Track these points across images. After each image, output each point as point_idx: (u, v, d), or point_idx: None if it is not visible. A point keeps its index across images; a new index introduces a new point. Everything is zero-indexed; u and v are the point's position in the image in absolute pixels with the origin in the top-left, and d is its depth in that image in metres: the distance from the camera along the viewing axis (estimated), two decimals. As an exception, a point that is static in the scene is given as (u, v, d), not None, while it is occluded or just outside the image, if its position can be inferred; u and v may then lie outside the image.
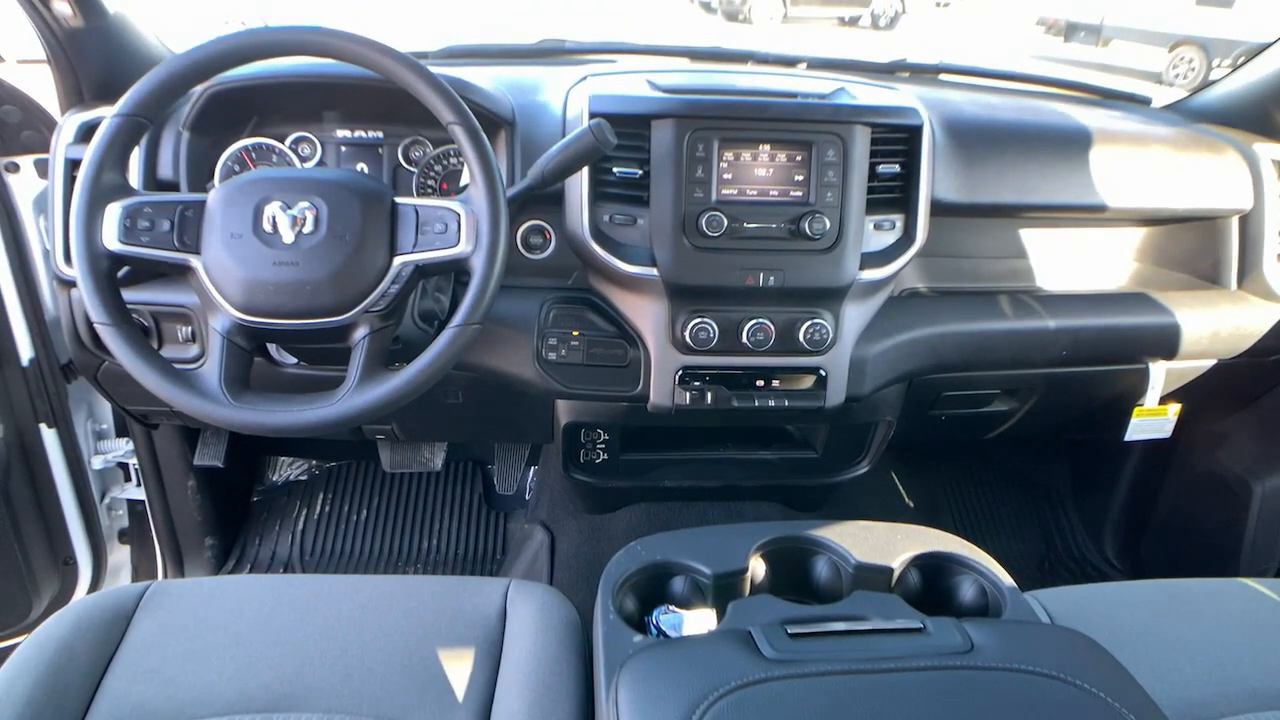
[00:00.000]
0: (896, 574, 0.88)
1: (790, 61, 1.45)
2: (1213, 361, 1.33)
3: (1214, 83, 1.47)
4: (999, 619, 0.82)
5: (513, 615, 0.93)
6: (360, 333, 0.89)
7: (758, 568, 0.90)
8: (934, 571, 0.90)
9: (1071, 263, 1.35)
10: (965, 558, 0.89)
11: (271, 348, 1.11)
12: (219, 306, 0.86)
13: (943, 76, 1.50)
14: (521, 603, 0.94)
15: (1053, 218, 1.32)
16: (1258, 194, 1.29)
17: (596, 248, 1.06)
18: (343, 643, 0.88)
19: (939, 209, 1.17)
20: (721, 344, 1.10)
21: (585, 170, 1.04)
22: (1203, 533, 1.56)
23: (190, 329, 1.10)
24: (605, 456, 1.31)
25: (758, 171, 1.08)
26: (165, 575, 1.56)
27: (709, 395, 1.13)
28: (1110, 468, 1.68)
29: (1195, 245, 1.36)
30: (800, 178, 1.08)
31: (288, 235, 0.85)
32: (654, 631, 0.84)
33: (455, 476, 1.83)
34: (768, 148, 1.07)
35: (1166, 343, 1.27)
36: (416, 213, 0.89)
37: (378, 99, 1.07)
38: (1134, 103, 1.52)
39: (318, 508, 1.78)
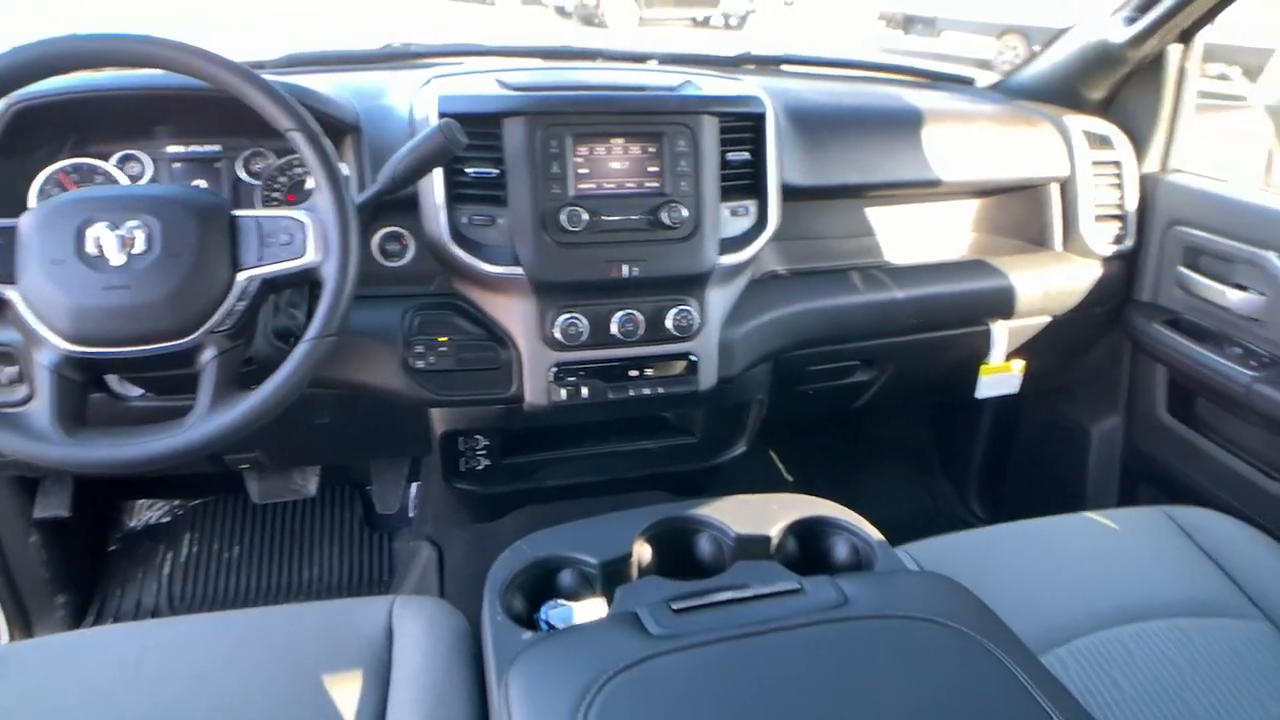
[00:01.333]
0: (775, 541, 0.91)
1: (640, 58, 1.47)
2: (1048, 318, 1.44)
3: (1028, 63, 1.59)
4: (870, 572, 0.86)
5: (399, 632, 0.91)
6: (207, 355, 0.84)
7: (643, 552, 0.91)
8: (809, 535, 0.94)
9: (916, 236, 1.43)
10: (837, 519, 0.94)
11: (113, 380, 1.03)
12: (43, 339, 0.80)
13: (785, 67, 1.56)
14: (408, 618, 0.92)
15: (895, 195, 1.40)
16: (1072, 162, 1.41)
17: (457, 250, 1.05)
18: (218, 687, 0.83)
19: (790, 193, 1.22)
20: (592, 338, 1.10)
21: (439, 172, 1.03)
22: (1052, 476, 1.69)
23: (16, 369, 1.01)
24: (487, 462, 1.29)
25: (613, 165, 1.09)
26: (11, 639, 1.43)
27: (585, 390, 1.13)
28: (968, 426, 1.80)
29: (1023, 213, 1.48)
30: (655, 169, 1.10)
31: (116, 257, 0.80)
32: (545, 628, 0.83)
33: (332, 501, 1.76)
34: (621, 141, 1.09)
35: (1004, 304, 1.37)
36: (259, 225, 0.86)
37: (212, 111, 1.02)
38: (960, 84, 1.63)
39: (184, 550, 1.67)
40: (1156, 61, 1.42)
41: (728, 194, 1.15)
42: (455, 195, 1.05)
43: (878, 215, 1.42)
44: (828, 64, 1.60)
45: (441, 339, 1.09)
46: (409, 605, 0.94)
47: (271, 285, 0.86)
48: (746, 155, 1.16)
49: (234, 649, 0.88)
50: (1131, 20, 1.36)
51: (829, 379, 1.39)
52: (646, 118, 1.09)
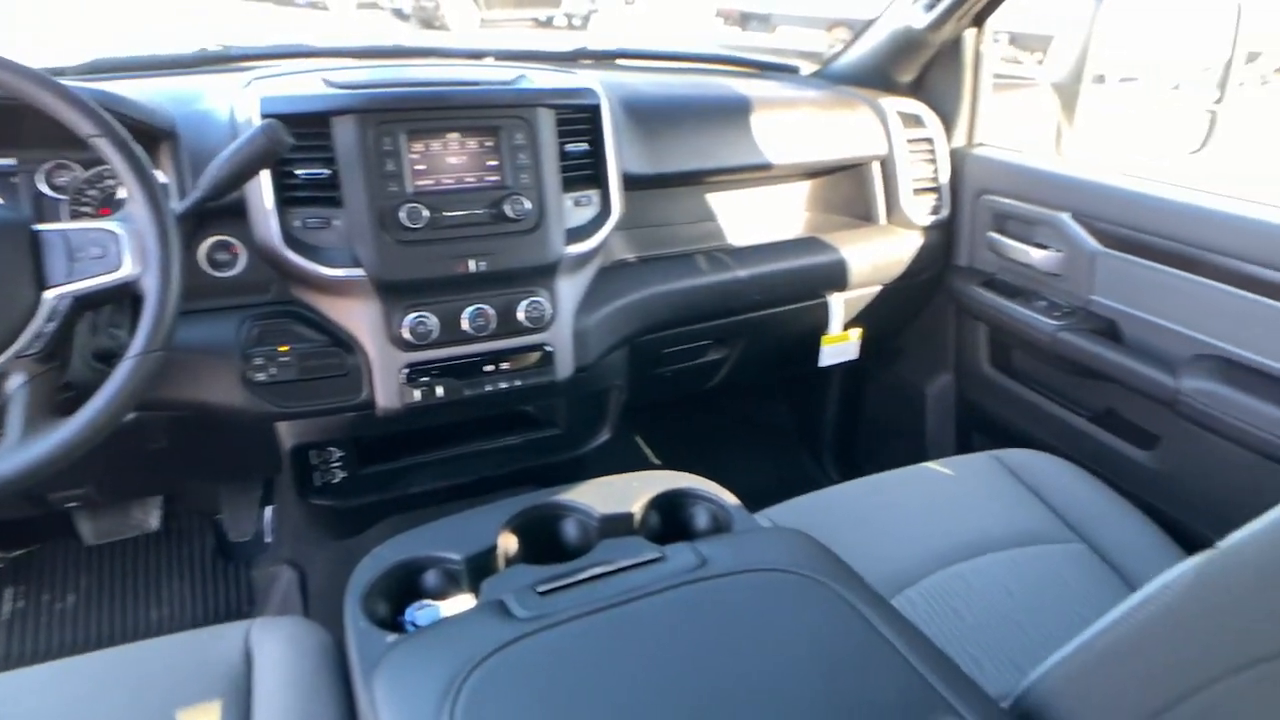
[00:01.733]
0: (638, 517, 0.93)
1: (476, 55, 1.47)
2: (879, 287, 1.54)
3: (845, 50, 1.69)
4: (727, 534, 0.90)
5: (259, 655, 0.87)
6: (15, 382, 0.78)
7: (508, 543, 0.91)
8: (671, 508, 0.97)
9: (755, 218, 1.50)
10: (695, 490, 0.97)
11: None
12: None
13: (620, 61, 1.60)
14: (267, 640, 0.88)
15: (732, 180, 1.46)
16: (889, 141, 1.51)
17: (292, 255, 1.01)
18: None
19: (631, 182, 1.25)
20: (443, 335, 1.09)
21: (266, 176, 0.99)
22: (895, 434, 1.81)
23: None
24: (343, 475, 1.25)
25: (451, 160, 1.08)
26: None
27: (439, 389, 1.12)
28: (819, 395, 1.90)
29: (850, 190, 1.57)
30: (494, 162, 1.10)
31: None
32: (410, 629, 0.82)
33: (180, 534, 1.65)
34: (457, 136, 1.08)
35: (838, 277, 1.46)
36: (65, 238, 0.80)
37: (5, 120, 0.94)
38: (786, 73, 1.71)
39: (6, 606, 1.52)
40: (955, 45, 1.54)
41: (570, 185, 1.16)
42: (286, 199, 1.02)
43: (718, 200, 1.48)
44: (661, 57, 1.64)
45: (282, 349, 1.05)
46: (267, 627, 0.90)
47: (86, 302, 0.80)
48: (585, 146, 1.18)
49: (77, 697, 0.81)
50: (930, 6, 1.47)
51: (684, 360, 1.44)
52: (481, 111, 1.09)
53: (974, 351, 1.60)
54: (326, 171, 1.03)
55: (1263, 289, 1.12)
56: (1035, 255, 1.43)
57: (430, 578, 0.87)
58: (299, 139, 0.95)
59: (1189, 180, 1.29)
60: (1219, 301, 1.17)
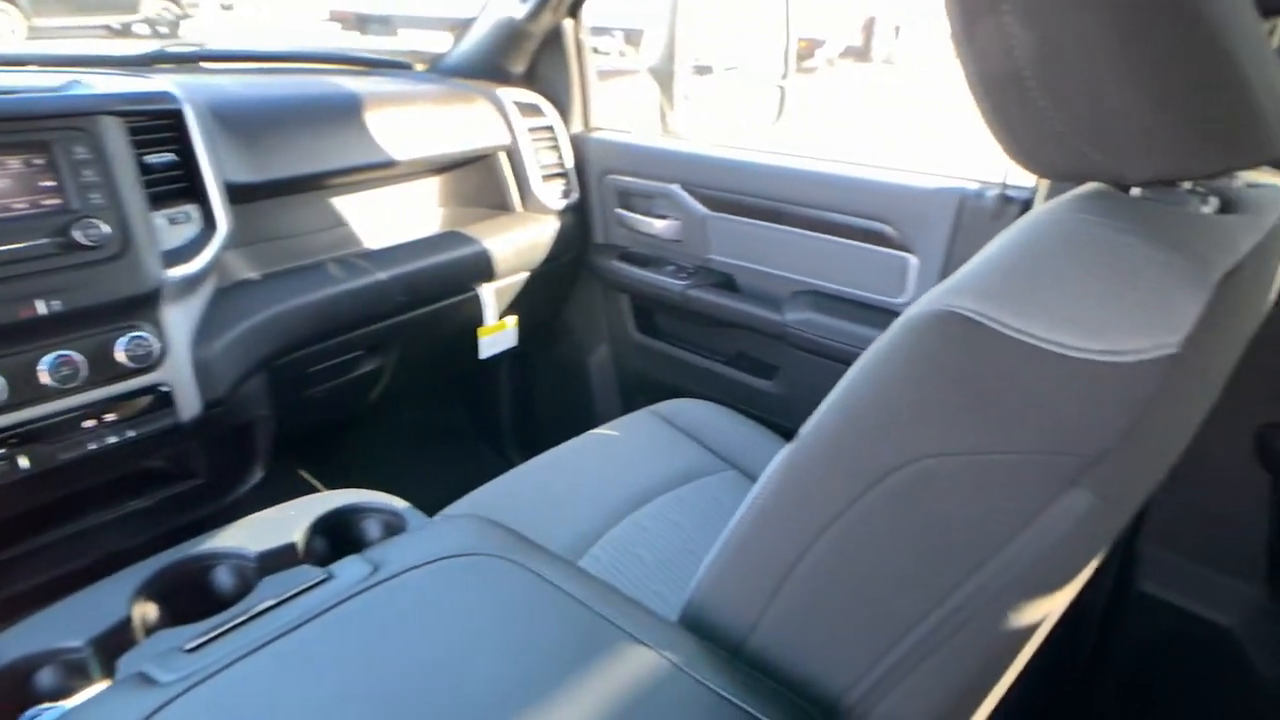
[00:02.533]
0: (301, 546, 0.86)
1: (16, 61, 1.24)
2: (526, 273, 1.57)
3: (456, 45, 1.69)
4: (400, 534, 0.86)
5: None
6: None
7: (146, 612, 0.79)
8: (339, 528, 0.91)
9: (389, 220, 1.45)
10: (361, 503, 0.92)
11: None
12: None
13: (206, 65, 1.44)
14: None
15: (356, 181, 1.39)
16: (511, 131, 1.54)
17: None
18: None
19: (239, 192, 1.14)
20: (17, 395, 0.91)
21: None
22: (566, 411, 1.87)
23: None
24: None
25: None
26: None
27: (24, 460, 0.93)
28: (490, 388, 1.90)
29: (482, 182, 1.58)
30: (51, 183, 0.94)
31: None
32: (27, 745, 0.68)
33: None
34: None
35: (484, 267, 1.46)
36: None
37: None
38: (398, 69, 1.67)
39: None
40: (557, 35, 1.61)
41: (160, 201, 1.03)
42: None
43: (346, 204, 1.41)
44: (253, 58, 1.52)
45: None
46: None
47: None
48: (172, 157, 1.05)
49: None
50: (526, -2, 1.52)
51: (336, 376, 1.35)
52: (19, 124, 0.92)
53: (622, 321, 1.70)
54: None
55: (831, 229, 1.33)
56: (658, 225, 1.56)
57: (45, 676, 0.73)
58: None
59: (773, 146, 1.48)
60: (803, 245, 1.37)
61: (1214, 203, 0.59)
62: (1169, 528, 1.10)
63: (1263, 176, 0.74)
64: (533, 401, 1.91)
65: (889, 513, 0.56)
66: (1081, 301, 0.47)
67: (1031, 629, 0.60)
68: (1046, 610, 0.58)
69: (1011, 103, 0.50)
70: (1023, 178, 1.16)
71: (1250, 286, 0.56)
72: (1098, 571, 1.16)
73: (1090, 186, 0.59)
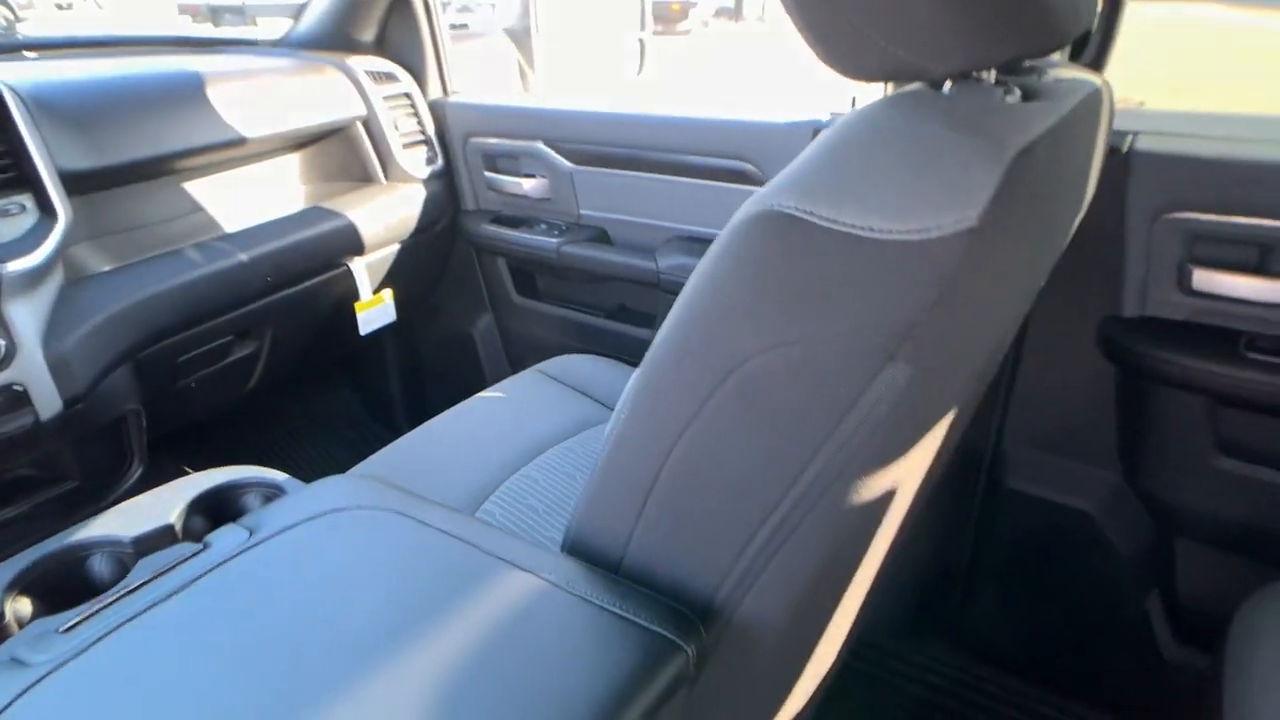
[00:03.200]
0: (179, 527, 0.85)
1: None
2: (398, 245, 1.56)
3: (300, 17, 1.64)
4: (278, 499, 0.86)
5: None
6: None
7: (20, 608, 0.77)
8: (218, 507, 0.90)
9: (250, 201, 1.41)
10: (239, 479, 0.91)
11: None
12: None
13: (30, 54, 1.36)
14: None
15: (208, 163, 1.34)
16: (366, 100, 1.52)
17: None
18: None
19: (76, 180, 1.09)
20: None
21: None
22: (456, 381, 1.87)
23: None
24: None
25: None
26: None
27: None
28: (378, 367, 1.88)
29: (342, 155, 1.55)
30: None
31: None
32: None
33: None
34: None
35: (353, 240, 1.44)
36: None
37: None
38: (243, 45, 1.62)
39: None
40: (405, 0, 1.59)
41: None
42: None
43: (201, 189, 1.36)
44: (82, 44, 1.44)
45: None
46: None
47: None
48: (-5, 147, 1.00)
49: None
50: (366, -37, 1.49)
51: (207, 365, 1.31)
52: None
53: (502, 286, 1.71)
54: None
55: (695, 173, 1.36)
56: (526, 185, 1.57)
57: None
58: None
59: (638, 98, 1.51)
60: (670, 191, 1.40)
61: (1018, 94, 0.65)
62: (1031, 427, 1.19)
63: (1072, 72, 0.80)
64: (421, 376, 1.90)
65: (733, 412, 0.60)
66: (889, 188, 0.52)
67: (873, 512, 0.65)
68: (884, 488, 0.63)
69: (821, 11, 0.53)
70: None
71: (1051, 166, 0.61)
72: (971, 476, 1.25)
73: (906, 87, 0.64)
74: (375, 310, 1.52)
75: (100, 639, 0.61)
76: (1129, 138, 1.01)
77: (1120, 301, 1.05)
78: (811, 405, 0.58)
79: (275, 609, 0.64)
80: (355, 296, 1.49)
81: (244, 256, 1.27)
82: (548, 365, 1.37)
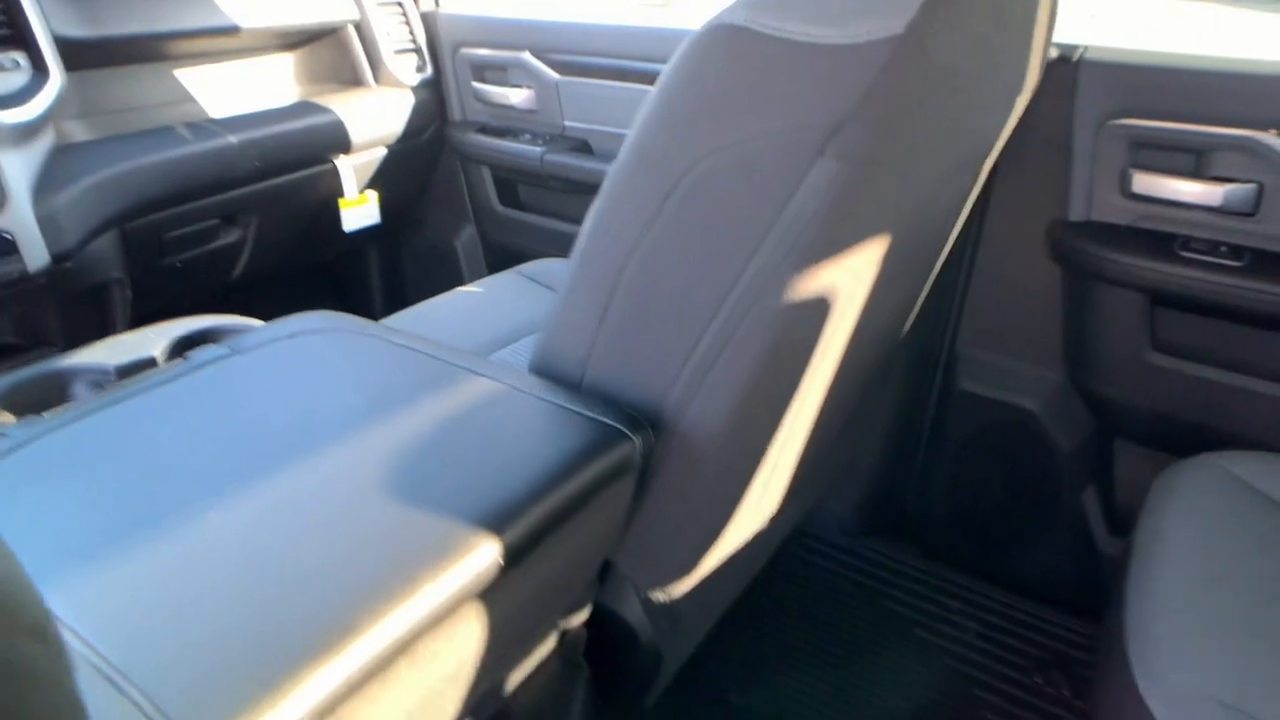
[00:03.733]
0: (162, 361, 0.89)
1: None
2: (384, 149, 1.59)
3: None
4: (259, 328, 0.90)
5: None
6: None
7: (3, 421, 0.81)
8: (201, 344, 0.94)
9: (241, 94, 1.44)
10: (224, 325, 0.95)
11: None
12: None
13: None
14: None
15: (200, 51, 1.37)
16: (360, 5, 1.54)
17: None
18: None
19: (71, 48, 1.12)
20: None
21: None
22: (435, 286, 1.89)
23: None
24: None
25: None
26: None
27: None
28: (361, 276, 1.91)
29: (334, 58, 1.58)
30: None
31: None
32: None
33: None
34: None
35: (341, 138, 1.48)
36: None
37: None
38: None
39: None
40: (400, -92, 1.61)
41: None
42: None
43: (194, 77, 1.39)
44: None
45: None
46: None
47: None
48: (-7, 3, 1.03)
49: None
50: None
51: (193, 246, 1.35)
52: None
53: (485, 197, 1.74)
54: None
55: None
56: (513, 97, 1.60)
57: None
58: None
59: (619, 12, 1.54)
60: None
61: None
62: (982, 330, 1.25)
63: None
64: (403, 284, 1.94)
65: (681, 219, 0.65)
66: (830, 1, 0.57)
67: (804, 331, 0.70)
68: (812, 297, 0.68)
69: None
70: None
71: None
72: (926, 379, 1.31)
73: None
74: (360, 209, 1.55)
75: (79, 418, 0.66)
76: (1080, 49, 1.06)
77: (1067, 207, 1.11)
78: (750, 205, 0.63)
79: (249, 402, 0.69)
80: (340, 194, 1.52)
81: (233, 139, 1.31)
82: (526, 267, 1.41)
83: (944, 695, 1.15)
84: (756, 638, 1.23)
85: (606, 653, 0.83)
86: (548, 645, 0.75)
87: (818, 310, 0.69)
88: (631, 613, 0.81)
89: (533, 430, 0.66)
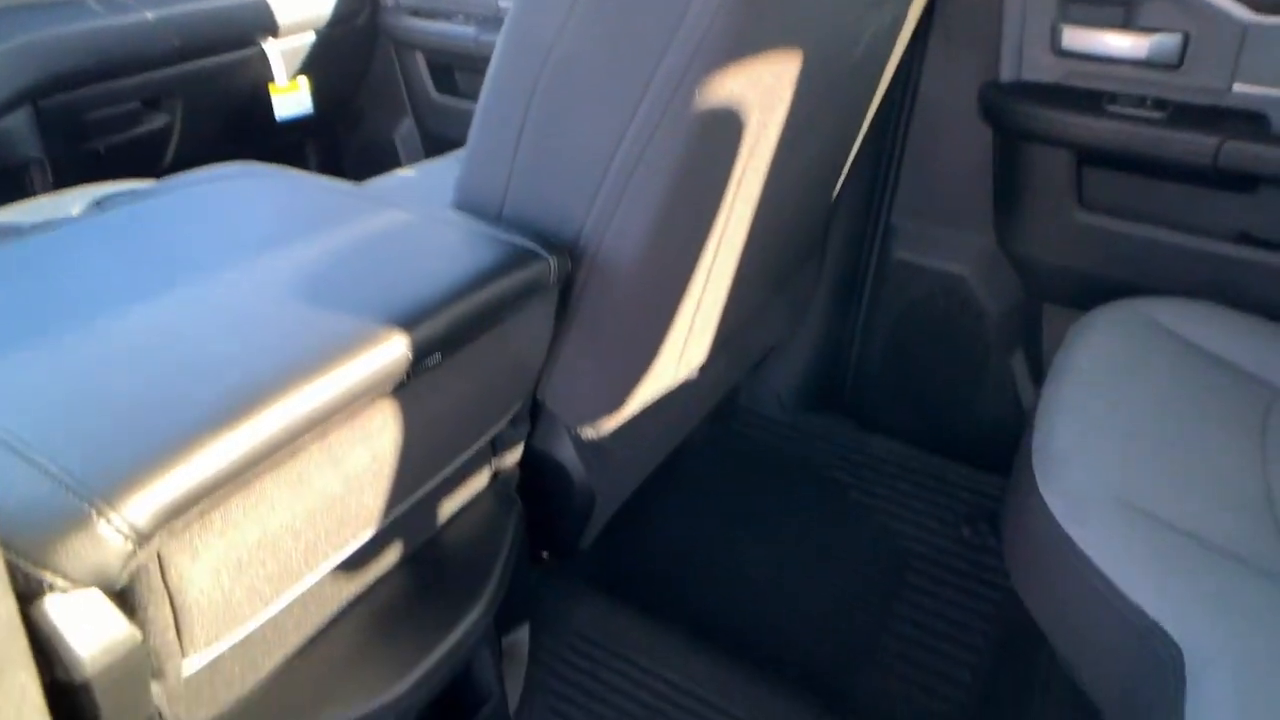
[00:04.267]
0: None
1: None
2: (313, 34, 1.54)
3: None
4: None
5: None
6: None
7: None
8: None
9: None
10: (147, 189, 0.93)
11: None
12: None
13: None
14: None
15: None
16: None
17: None
18: None
19: None
20: None
21: None
22: (375, 168, 1.87)
23: None
24: None
25: None
26: None
27: None
28: (299, 167, 1.86)
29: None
30: None
31: None
32: None
33: None
34: None
35: (266, 19, 1.43)
36: None
37: None
38: None
39: None
40: None
41: None
42: None
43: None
44: None
45: None
46: None
47: None
48: None
49: None
50: None
51: (118, 129, 1.31)
52: None
53: (422, 85, 1.70)
54: None
55: None
56: (449, -23, 1.55)
57: None
58: None
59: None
60: None
61: None
62: (915, 199, 1.26)
63: None
64: (342, 171, 1.91)
65: (592, 19, 0.64)
66: None
67: (719, 143, 0.69)
68: (722, 105, 0.67)
69: None
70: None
71: None
72: (864, 252, 1.33)
73: None
74: (291, 96, 1.51)
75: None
76: None
77: (998, 68, 1.12)
78: (657, 12, 0.63)
79: (162, 232, 0.68)
80: (271, 80, 1.48)
81: (149, 15, 1.26)
82: (462, 151, 1.39)
83: (874, 551, 1.20)
84: (696, 499, 1.27)
85: (541, 494, 0.85)
86: (480, 479, 0.77)
87: (728, 126, 0.69)
88: (563, 452, 0.83)
89: (446, 251, 0.66)
